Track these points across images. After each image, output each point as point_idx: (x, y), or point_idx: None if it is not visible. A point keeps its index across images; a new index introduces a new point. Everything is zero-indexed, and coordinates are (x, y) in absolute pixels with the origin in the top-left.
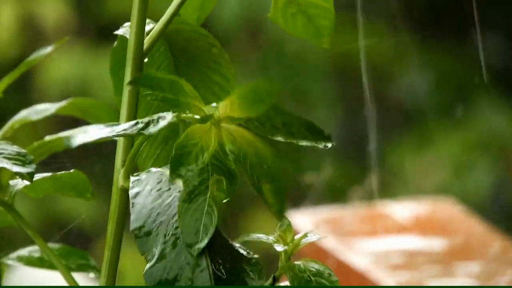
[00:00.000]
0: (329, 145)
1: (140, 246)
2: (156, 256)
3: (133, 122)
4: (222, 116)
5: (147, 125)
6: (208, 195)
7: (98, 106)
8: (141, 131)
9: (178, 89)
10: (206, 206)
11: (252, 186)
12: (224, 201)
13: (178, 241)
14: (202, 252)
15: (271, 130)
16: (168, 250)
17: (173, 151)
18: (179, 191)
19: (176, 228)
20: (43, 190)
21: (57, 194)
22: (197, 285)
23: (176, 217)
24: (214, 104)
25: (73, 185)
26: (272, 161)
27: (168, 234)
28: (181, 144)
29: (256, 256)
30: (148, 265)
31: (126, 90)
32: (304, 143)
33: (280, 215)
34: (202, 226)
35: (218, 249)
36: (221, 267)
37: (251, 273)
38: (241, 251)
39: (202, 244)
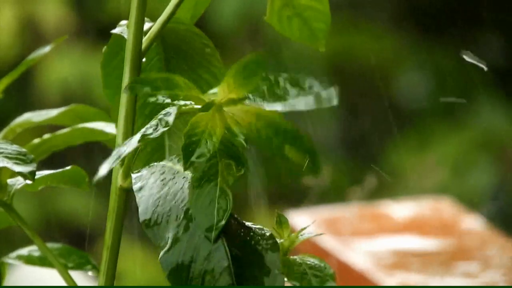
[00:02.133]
0: (333, 97)
1: (152, 236)
2: (169, 242)
3: (143, 130)
4: (223, 100)
5: (156, 127)
6: (219, 179)
7: (97, 114)
8: (153, 134)
9: (174, 84)
10: (217, 191)
11: (276, 157)
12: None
13: (190, 223)
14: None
15: (274, 98)
16: (181, 233)
17: (182, 140)
18: (184, 177)
19: (187, 211)
20: (40, 183)
21: (55, 185)
22: (214, 263)
23: (185, 201)
24: (212, 90)
25: (70, 178)
26: (286, 124)
27: (179, 218)
28: (188, 133)
29: (269, 231)
30: (162, 252)
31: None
32: (308, 98)
33: (317, 169)
34: (216, 210)
35: (231, 226)
36: (235, 243)
37: (266, 247)
38: (254, 227)
39: (219, 227)
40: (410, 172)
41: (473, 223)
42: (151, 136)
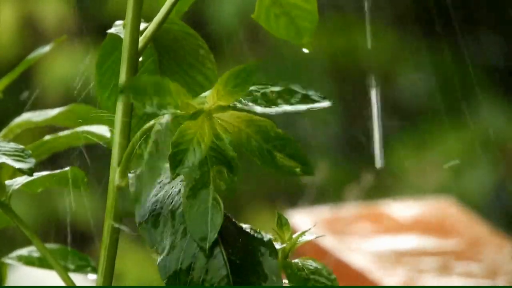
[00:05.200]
0: (326, 104)
1: (148, 239)
2: (167, 248)
3: (133, 141)
4: (212, 107)
5: (146, 140)
6: (211, 187)
7: (96, 113)
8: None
9: (164, 90)
10: (210, 199)
11: (264, 165)
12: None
13: (188, 230)
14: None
15: (266, 104)
16: (178, 240)
17: (170, 150)
18: (182, 181)
19: (184, 217)
20: (40, 185)
21: (53, 187)
22: (212, 272)
23: (182, 207)
24: (203, 94)
25: (68, 179)
26: (276, 130)
27: (177, 224)
28: (176, 142)
29: (269, 236)
30: (160, 257)
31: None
32: (302, 107)
33: (309, 172)
34: (209, 219)
35: (229, 233)
36: (234, 251)
37: (265, 253)
38: (252, 232)
39: (212, 237)
40: (410, 172)
41: (473, 223)
42: (138, 142)
